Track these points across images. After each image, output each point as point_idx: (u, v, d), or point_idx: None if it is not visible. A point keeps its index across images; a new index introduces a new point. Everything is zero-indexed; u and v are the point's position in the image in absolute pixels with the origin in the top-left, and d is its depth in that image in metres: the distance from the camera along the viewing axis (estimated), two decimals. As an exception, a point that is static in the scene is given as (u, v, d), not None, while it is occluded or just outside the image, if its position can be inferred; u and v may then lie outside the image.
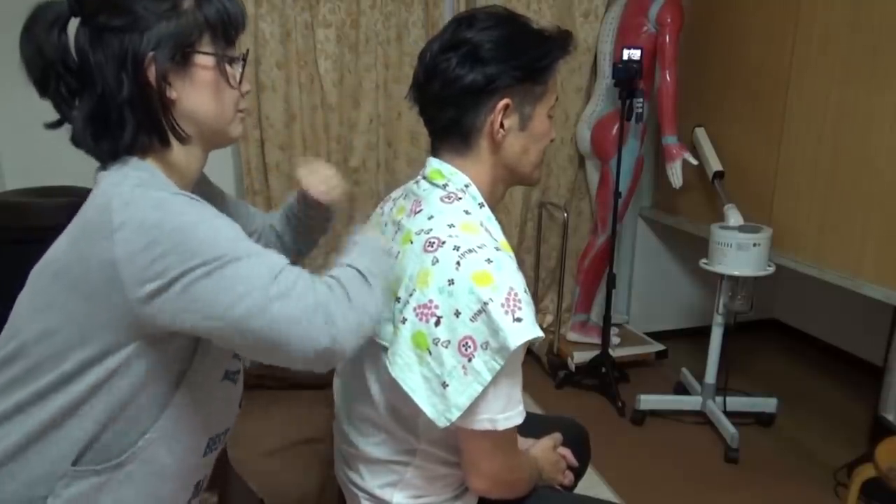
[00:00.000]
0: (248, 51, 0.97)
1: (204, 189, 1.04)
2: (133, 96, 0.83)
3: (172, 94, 0.86)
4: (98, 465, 0.84)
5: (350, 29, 2.61)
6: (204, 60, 0.87)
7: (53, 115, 0.86)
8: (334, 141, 2.70)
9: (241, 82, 0.93)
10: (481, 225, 1.01)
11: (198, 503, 1.01)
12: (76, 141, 0.86)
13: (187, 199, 0.81)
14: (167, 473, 0.89)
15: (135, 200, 0.79)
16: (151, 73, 0.83)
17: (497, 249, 0.97)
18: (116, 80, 0.82)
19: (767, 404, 2.60)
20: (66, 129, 0.87)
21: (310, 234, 1.24)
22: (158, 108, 0.85)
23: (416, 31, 2.69)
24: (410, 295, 0.97)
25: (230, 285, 0.78)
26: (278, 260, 0.83)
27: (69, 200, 1.89)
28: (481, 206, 1.05)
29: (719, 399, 2.52)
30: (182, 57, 0.85)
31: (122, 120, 0.84)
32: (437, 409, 0.94)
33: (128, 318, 0.79)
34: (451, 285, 0.93)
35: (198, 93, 0.88)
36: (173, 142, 0.88)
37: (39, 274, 0.85)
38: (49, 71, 0.83)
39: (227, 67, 0.90)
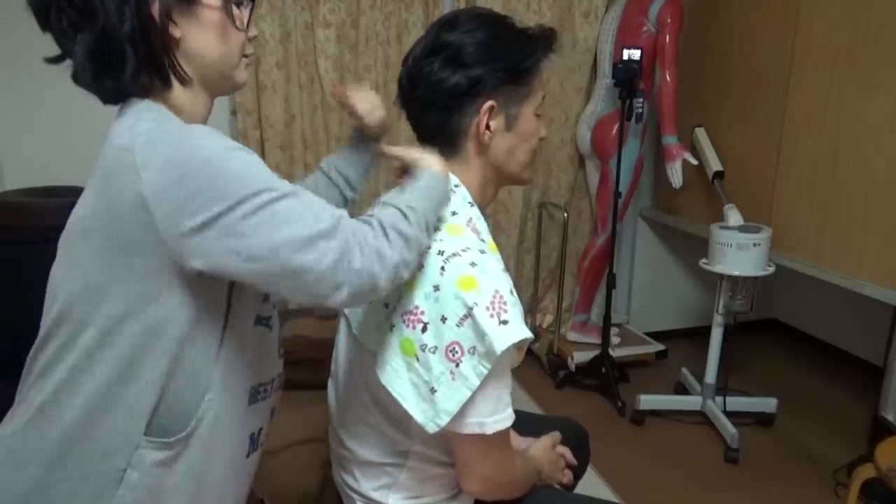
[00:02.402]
0: None
1: None
2: (135, 32, 0.80)
3: (177, 32, 0.84)
4: (170, 438, 0.83)
5: (350, 29, 2.61)
6: (210, 0, 0.86)
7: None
8: (334, 141, 2.70)
9: (248, 26, 0.91)
10: (468, 224, 1.01)
11: (258, 458, 1.00)
12: (76, 78, 0.84)
13: (208, 129, 0.80)
14: (226, 430, 0.88)
15: (155, 137, 0.77)
16: (155, 9, 0.81)
17: (482, 252, 0.96)
18: (119, 15, 0.80)
19: (767, 404, 2.60)
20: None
21: (359, 170, 1.23)
22: (161, 47, 0.83)
23: (416, 31, 2.69)
24: (398, 301, 0.97)
25: (270, 230, 0.76)
26: (314, 198, 0.82)
27: (69, 200, 1.88)
28: (471, 204, 1.04)
29: (719, 399, 2.52)
30: None
31: (124, 57, 0.81)
32: (426, 414, 0.94)
33: (164, 260, 0.78)
34: (436, 291, 0.93)
35: (203, 33, 0.86)
36: (175, 84, 0.86)
37: (69, 234, 0.84)
38: (50, 2, 0.80)
39: (234, 9, 0.88)
